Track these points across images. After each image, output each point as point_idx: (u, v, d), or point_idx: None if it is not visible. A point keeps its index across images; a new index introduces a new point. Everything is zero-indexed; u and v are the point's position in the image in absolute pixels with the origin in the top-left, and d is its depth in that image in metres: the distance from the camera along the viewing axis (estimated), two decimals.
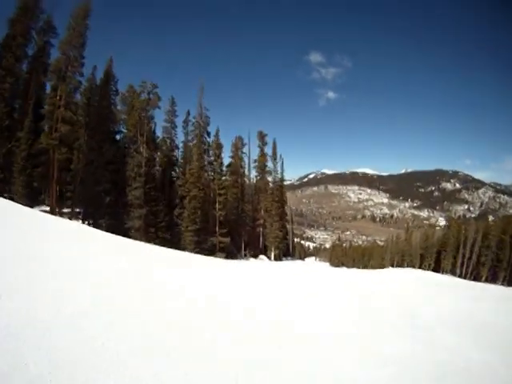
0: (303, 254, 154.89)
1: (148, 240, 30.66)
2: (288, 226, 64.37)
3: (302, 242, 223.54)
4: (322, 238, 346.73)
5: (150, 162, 34.68)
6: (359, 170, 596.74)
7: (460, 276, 60.13)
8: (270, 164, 53.03)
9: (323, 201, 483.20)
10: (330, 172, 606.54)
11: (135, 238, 29.92)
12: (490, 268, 59.51)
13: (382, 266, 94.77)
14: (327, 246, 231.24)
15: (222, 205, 40.08)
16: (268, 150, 53.05)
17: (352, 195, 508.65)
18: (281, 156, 54.34)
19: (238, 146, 49.68)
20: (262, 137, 52.44)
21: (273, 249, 48.87)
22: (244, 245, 45.16)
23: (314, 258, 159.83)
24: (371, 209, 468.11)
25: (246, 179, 53.02)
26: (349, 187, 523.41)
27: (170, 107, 41.86)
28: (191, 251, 34.02)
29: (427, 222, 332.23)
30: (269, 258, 47.91)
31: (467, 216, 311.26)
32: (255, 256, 46.09)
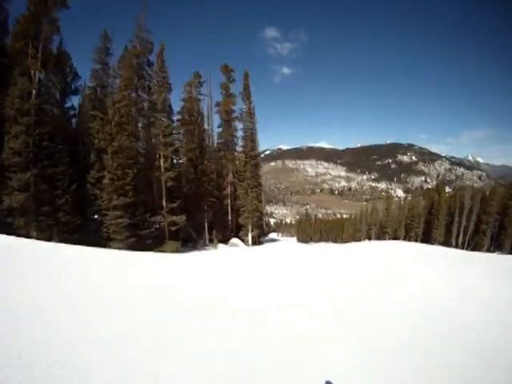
0: (267, 230, 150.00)
1: (40, 230, 17.92)
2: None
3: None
4: (282, 213, 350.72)
5: (46, 92, 21.07)
6: (316, 145, 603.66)
7: (457, 246, 52.40)
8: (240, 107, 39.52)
9: (281, 176, 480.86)
10: (286, 147, 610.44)
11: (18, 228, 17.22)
12: (492, 236, 51.92)
13: (357, 239, 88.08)
14: (287, 221, 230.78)
15: (170, 163, 26.51)
16: (235, 90, 39.39)
17: (310, 169, 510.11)
18: (251, 101, 39.17)
19: (194, 84, 35.37)
20: (227, 71, 38.34)
21: (250, 228, 36.17)
22: (208, 226, 32.21)
23: (275, 233, 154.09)
24: (329, 182, 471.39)
25: (206, 136, 38.34)
26: (306, 162, 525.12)
27: (101, 44, 29.27)
28: (121, 244, 21.33)
29: (385, 194, 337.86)
30: (244, 241, 35.48)
31: (424, 187, 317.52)
32: (225, 241, 33.45)
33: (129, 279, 10.84)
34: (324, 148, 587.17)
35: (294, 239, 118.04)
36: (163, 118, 26.34)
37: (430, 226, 60.78)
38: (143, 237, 22.99)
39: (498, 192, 51.25)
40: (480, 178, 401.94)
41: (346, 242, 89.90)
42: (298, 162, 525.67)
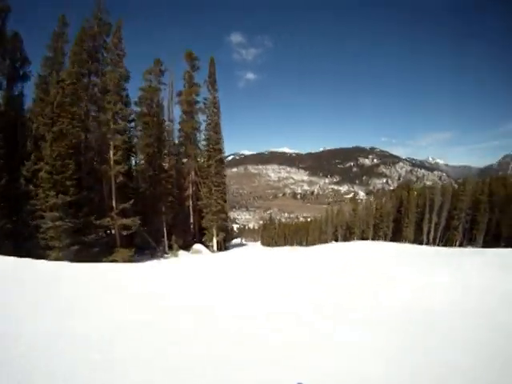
0: (232, 235, 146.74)
1: None
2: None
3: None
4: (245, 218, 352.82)
5: None
6: (278, 150, 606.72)
7: (428, 243, 51.96)
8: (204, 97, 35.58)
9: (243, 181, 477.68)
10: (249, 153, 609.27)
11: None
12: (464, 231, 51.58)
13: (323, 241, 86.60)
14: (251, 226, 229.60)
15: (122, 156, 22.26)
16: (200, 80, 35.78)
17: (272, 174, 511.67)
18: (216, 89, 34.90)
19: (155, 72, 31.27)
20: (191, 59, 34.61)
21: (214, 232, 32.25)
22: (167, 231, 28.28)
23: (239, 239, 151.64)
24: (292, 186, 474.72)
25: (166, 130, 33.21)
26: (268, 166, 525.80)
27: (57, 29, 24.70)
28: (61, 253, 17.36)
29: (348, 196, 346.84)
30: (208, 247, 31.69)
31: (386, 189, 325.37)
32: (187, 247, 29.66)
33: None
34: (286, 153, 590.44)
35: (259, 243, 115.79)
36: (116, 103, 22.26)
37: (399, 225, 59.79)
38: (89, 244, 19.18)
39: (468, 187, 50.69)
40: (440, 178, 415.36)
41: (313, 244, 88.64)
42: (261, 166, 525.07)
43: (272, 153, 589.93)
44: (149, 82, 31.24)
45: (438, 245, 50.52)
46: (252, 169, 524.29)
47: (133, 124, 28.11)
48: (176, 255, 25.90)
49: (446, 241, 51.58)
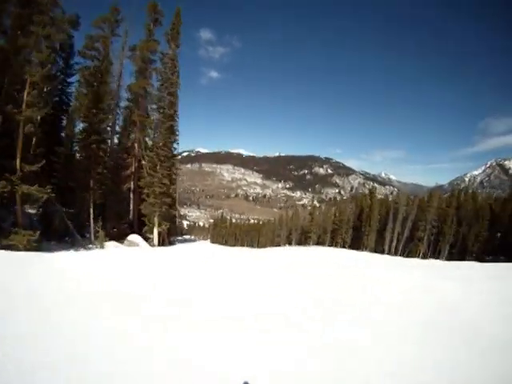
0: (180, 233, 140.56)
1: None
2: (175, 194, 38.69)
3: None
4: (195, 216, 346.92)
5: None
6: (235, 151, 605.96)
7: (389, 253, 49.85)
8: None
9: (197, 179, 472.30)
10: (205, 151, 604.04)
11: None
12: (429, 243, 49.51)
13: (276, 244, 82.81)
14: (201, 224, 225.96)
15: (38, 96, 15.51)
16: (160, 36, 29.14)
17: (226, 174, 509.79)
18: (178, 44, 27.38)
19: (110, 20, 24.93)
20: (154, 12, 28.13)
21: (156, 221, 25.42)
22: (97, 215, 21.90)
23: (188, 236, 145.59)
24: (244, 188, 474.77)
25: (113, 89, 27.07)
26: (223, 166, 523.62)
27: None
28: None
29: (300, 203, 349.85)
30: (148, 240, 25.38)
31: (338, 198, 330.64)
32: (121, 238, 23.42)
33: None
34: (242, 154, 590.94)
35: (208, 242, 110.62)
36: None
37: (359, 233, 56.75)
38: None
39: (435, 199, 48.37)
40: (392, 193, 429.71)
41: (264, 246, 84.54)
42: (215, 166, 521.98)
43: (228, 153, 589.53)
44: (100, 31, 25.13)
45: (401, 255, 47.94)
46: (206, 167, 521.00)
47: (73, 78, 21.88)
48: (102, 246, 19.75)
49: (409, 252, 49.07)
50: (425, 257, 47.80)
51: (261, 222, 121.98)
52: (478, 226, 44.01)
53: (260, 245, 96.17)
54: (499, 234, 44.61)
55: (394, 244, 50.93)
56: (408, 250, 49.42)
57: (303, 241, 72.51)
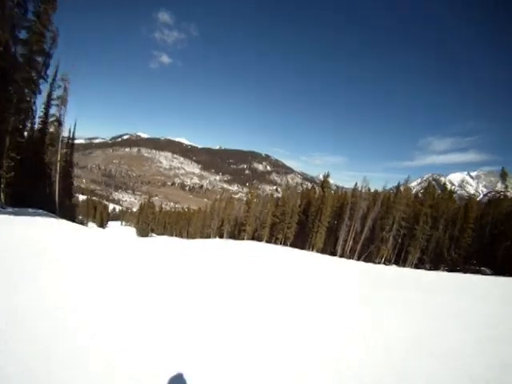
0: (105, 218, 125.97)
1: None
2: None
3: (108, 203, 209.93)
4: (130, 201, 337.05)
5: None
6: (175, 139, 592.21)
7: (342, 256, 41.49)
8: None
9: (134, 163, 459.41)
10: (145, 136, 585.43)
11: None
12: (394, 246, 40.95)
13: (206, 235, 72.29)
14: (134, 209, 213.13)
15: None
16: None
17: (164, 161, 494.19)
18: None
19: None
20: None
21: None
22: None
23: (119, 222, 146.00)
24: (182, 177, 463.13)
25: None
26: (162, 153, 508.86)
27: None
28: None
29: (236, 196, 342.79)
30: None
31: (274, 195, 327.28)
32: None
33: None
34: (183, 143, 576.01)
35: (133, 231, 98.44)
36: None
37: (304, 229, 47.40)
38: None
39: (404, 194, 40.31)
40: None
41: (193, 237, 73.94)
42: (154, 151, 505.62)
43: (169, 140, 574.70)
44: None
45: (358, 259, 39.47)
46: (145, 152, 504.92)
47: None
48: None
49: (368, 255, 40.60)
50: (388, 262, 39.95)
51: (192, 209, 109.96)
52: (458, 230, 36.52)
53: (189, 235, 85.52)
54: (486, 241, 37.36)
55: (349, 244, 42.13)
56: (367, 253, 40.90)
57: (237, 234, 62.29)
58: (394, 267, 34.06)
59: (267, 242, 51.12)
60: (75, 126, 40.37)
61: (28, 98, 23.32)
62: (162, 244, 28.58)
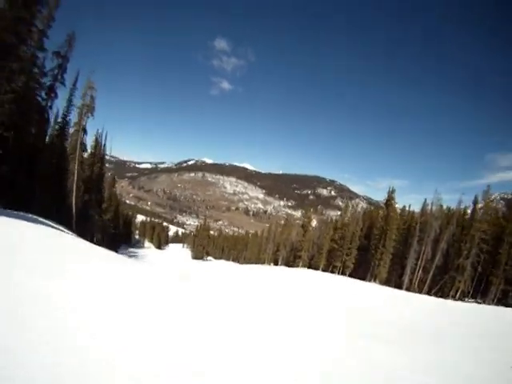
0: (164, 239, 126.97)
1: None
2: None
3: (172, 226, 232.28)
4: (194, 224, 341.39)
5: None
6: (240, 165, 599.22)
7: (411, 288, 34.54)
8: None
9: (199, 188, 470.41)
10: (210, 161, 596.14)
11: None
12: (473, 277, 32.88)
13: (261, 261, 67.42)
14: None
15: None
16: None
17: (228, 186, 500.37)
18: None
19: None
20: None
21: None
22: None
23: (181, 244, 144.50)
24: (246, 202, 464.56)
25: None
26: (226, 178, 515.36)
27: None
28: None
29: (300, 222, 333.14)
30: None
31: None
32: None
33: None
34: (247, 169, 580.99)
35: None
36: None
37: (366, 256, 40.98)
38: None
39: (486, 210, 32.84)
40: None
41: (249, 262, 69.84)
42: (219, 177, 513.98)
43: (232, 166, 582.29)
44: None
45: (429, 292, 32.43)
46: (210, 177, 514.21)
47: None
48: None
49: (440, 288, 33.27)
50: (464, 296, 32.38)
51: (250, 235, 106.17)
52: None
53: (245, 260, 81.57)
54: None
55: (418, 274, 34.94)
56: (439, 285, 33.54)
57: (291, 261, 56.77)
58: (475, 306, 26.98)
59: (323, 270, 45.25)
60: (106, 137, 39.71)
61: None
62: (210, 268, 24.75)
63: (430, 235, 34.77)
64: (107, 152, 41.07)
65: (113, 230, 53.69)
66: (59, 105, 28.33)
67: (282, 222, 76.28)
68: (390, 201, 41.08)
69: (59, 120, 28.28)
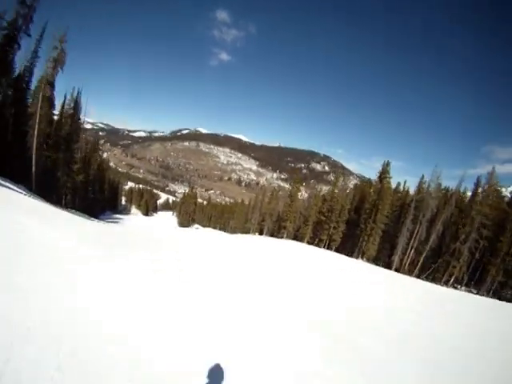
0: (152, 206, 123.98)
1: None
2: None
3: (164, 194, 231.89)
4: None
5: None
6: (234, 135, 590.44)
7: (401, 269, 31.53)
8: None
9: (192, 157, 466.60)
10: (205, 131, 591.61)
11: None
12: (469, 263, 30.02)
13: (245, 229, 64.65)
14: None
15: None
16: None
17: (222, 156, 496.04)
18: None
19: None
20: None
21: None
22: None
23: (171, 212, 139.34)
24: (239, 173, 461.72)
25: None
26: (220, 148, 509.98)
27: None
28: None
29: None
30: None
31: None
32: None
33: None
34: (241, 140, 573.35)
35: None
36: None
37: (354, 231, 38.07)
38: None
39: (488, 193, 29.77)
40: None
41: (234, 232, 67.11)
42: (213, 147, 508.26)
43: (227, 136, 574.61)
44: None
45: (419, 275, 29.75)
46: (204, 147, 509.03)
47: None
48: None
49: (433, 271, 30.57)
50: (457, 283, 29.76)
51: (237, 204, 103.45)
52: None
53: (231, 230, 78.85)
54: None
55: (409, 255, 32.09)
56: (432, 268, 30.79)
57: (276, 231, 54.03)
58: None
59: (309, 243, 42.41)
60: (79, 94, 36.15)
61: None
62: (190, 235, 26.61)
63: (426, 215, 31.72)
64: (83, 113, 38.18)
65: (92, 195, 50.81)
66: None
67: (269, 192, 72.62)
68: (384, 174, 37.53)
69: (20, 73, 25.56)
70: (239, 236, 40.59)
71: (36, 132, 24.80)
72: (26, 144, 24.98)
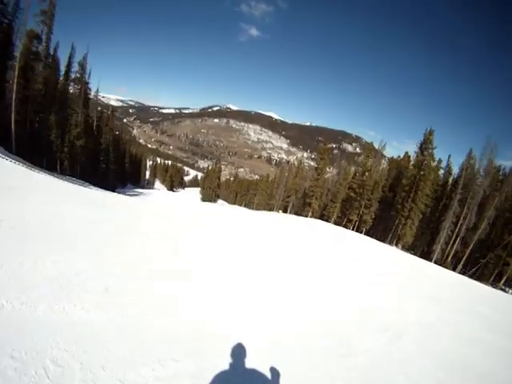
0: (178, 182, 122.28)
1: None
2: None
3: (193, 171, 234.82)
4: None
5: None
6: (265, 113, 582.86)
7: (438, 262, 25.83)
8: None
9: (222, 134, 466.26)
10: (235, 108, 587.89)
11: None
12: None
13: (269, 206, 60.67)
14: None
15: None
16: None
17: (252, 134, 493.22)
18: None
19: None
20: None
21: None
22: None
23: (199, 189, 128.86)
24: (269, 151, 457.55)
25: None
26: (251, 126, 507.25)
27: None
28: None
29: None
30: None
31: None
32: None
33: None
34: (272, 117, 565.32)
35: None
36: None
37: (389, 213, 33.11)
38: None
39: None
40: None
41: (258, 209, 63.52)
42: (243, 124, 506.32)
43: (258, 114, 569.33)
44: None
45: (464, 272, 24.87)
46: (234, 124, 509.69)
47: None
48: None
49: (480, 267, 25.50)
50: (510, 288, 24.63)
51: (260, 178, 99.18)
52: None
53: (255, 206, 75.16)
54: None
55: (454, 247, 26.96)
56: (480, 264, 25.62)
57: (301, 209, 49.62)
58: None
59: (336, 223, 37.95)
60: (73, 50, 33.82)
61: None
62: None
63: (475, 197, 26.47)
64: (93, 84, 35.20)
65: (104, 165, 48.11)
66: None
67: (289, 164, 67.94)
68: (426, 144, 31.49)
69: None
70: (263, 213, 36.57)
71: (15, 87, 21.33)
72: (4, 99, 21.68)
